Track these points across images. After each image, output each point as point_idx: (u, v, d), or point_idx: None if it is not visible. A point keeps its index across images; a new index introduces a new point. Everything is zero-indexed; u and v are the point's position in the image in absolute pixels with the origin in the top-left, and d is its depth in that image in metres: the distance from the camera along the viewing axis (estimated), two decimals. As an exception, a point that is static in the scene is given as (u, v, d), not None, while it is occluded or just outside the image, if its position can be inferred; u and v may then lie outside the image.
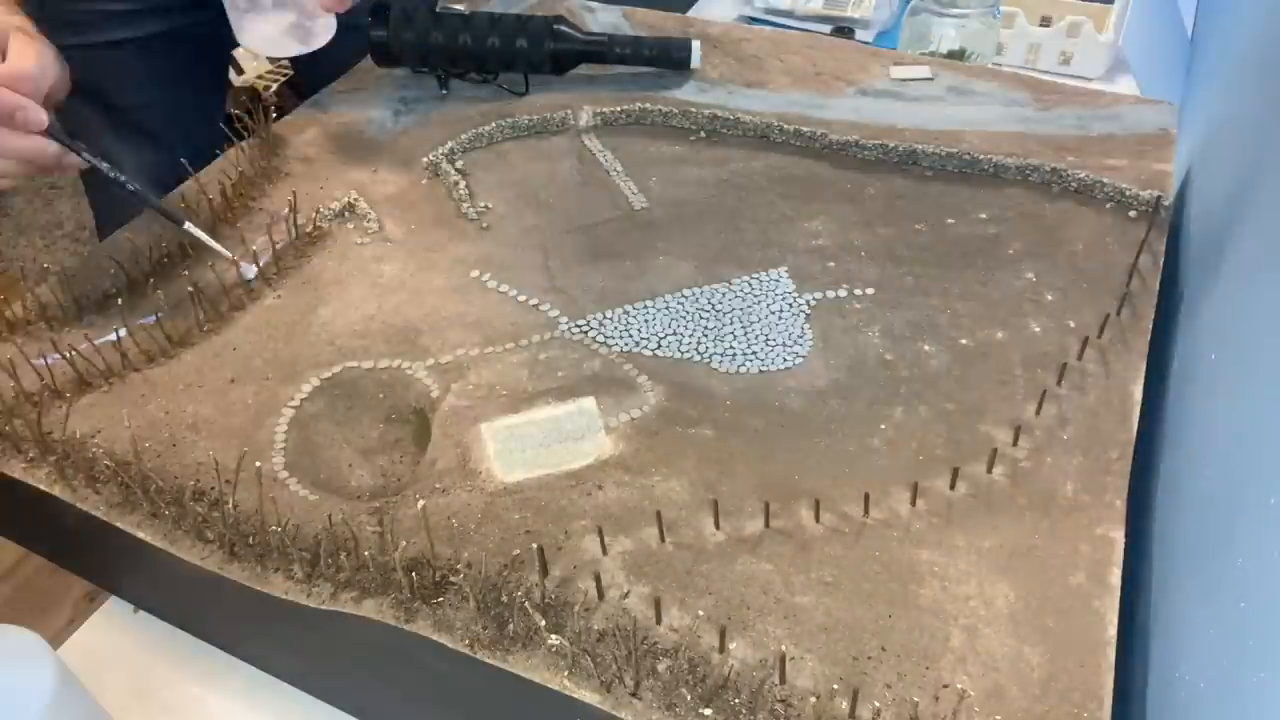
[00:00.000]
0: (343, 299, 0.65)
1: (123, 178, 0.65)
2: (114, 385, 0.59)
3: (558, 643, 0.44)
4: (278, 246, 0.68)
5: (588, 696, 0.42)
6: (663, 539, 0.49)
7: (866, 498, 0.50)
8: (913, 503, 0.51)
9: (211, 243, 0.66)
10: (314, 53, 0.80)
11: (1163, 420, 0.60)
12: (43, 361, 0.58)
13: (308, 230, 0.70)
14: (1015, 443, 0.54)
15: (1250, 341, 0.49)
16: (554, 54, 0.83)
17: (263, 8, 0.74)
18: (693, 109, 0.80)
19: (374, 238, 0.70)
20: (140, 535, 0.50)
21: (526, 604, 0.45)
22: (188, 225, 0.66)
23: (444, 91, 0.85)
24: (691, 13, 1.26)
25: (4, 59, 0.61)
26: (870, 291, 0.64)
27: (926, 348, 0.60)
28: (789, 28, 1.21)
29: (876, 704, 0.42)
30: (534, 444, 0.55)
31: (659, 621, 0.45)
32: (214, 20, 0.86)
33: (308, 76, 0.89)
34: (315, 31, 0.76)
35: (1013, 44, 1.13)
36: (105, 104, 0.89)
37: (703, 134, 0.80)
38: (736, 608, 0.46)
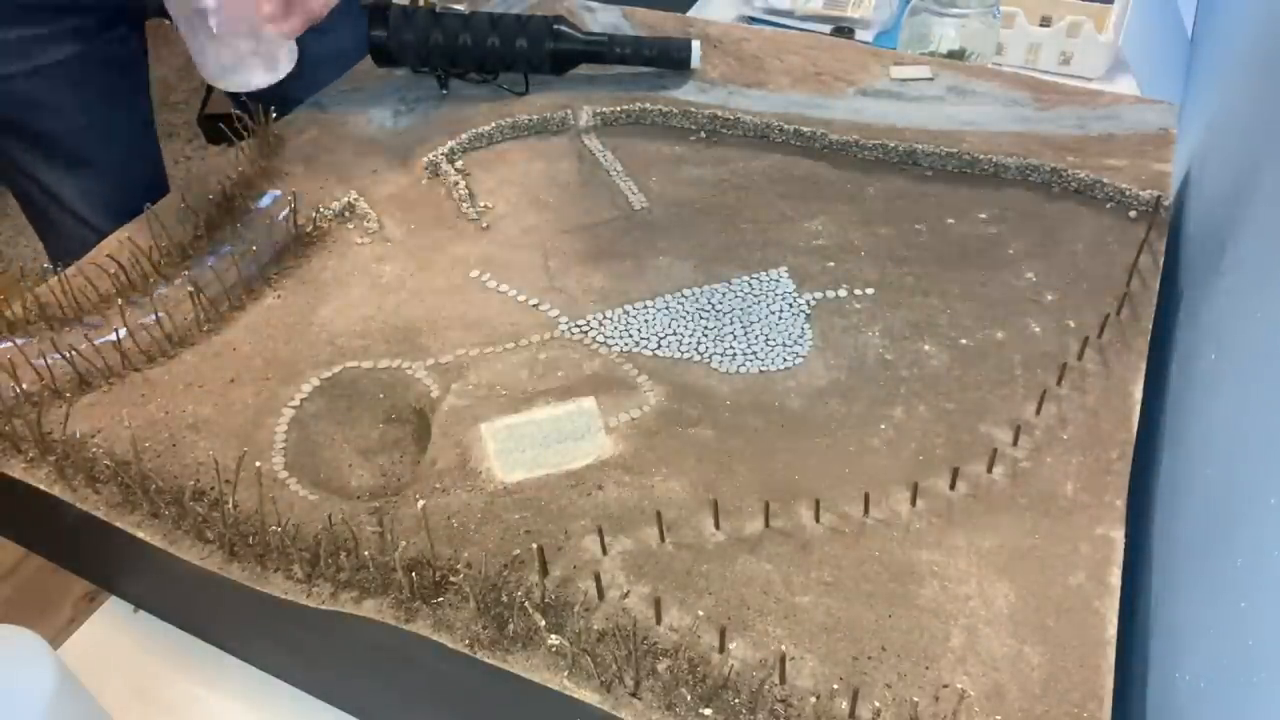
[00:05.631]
0: (343, 299, 0.65)
1: None
2: (114, 385, 0.59)
3: (558, 643, 0.44)
4: (278, 246, 0.68)
5: (588, 696, 0.42)
6: (663, 539, 0.49)
7: (866, 498, 0.50)
8: (913, 503, 0.51)
9: None
10: (303, 49, 0.79)
11: (1163, 420, 0.60)
12: (43, 361, 0.58)
13: (308, 230, 0.70)
14: (1015, 443, 0.54)
15: (1250, 341, 0.49)
16: (554, 54, 0.83)
17: (222, 39, 0.72)
18: (693, 109, 0.80)
19: (374, 238, 0.70)
20: (140, 535, 0.50)
21: (526, 604, 0.44)
22: None
23: (444, 91, 0.85)
24: (691, 13, 1.26)
25: None
26: (870, 291, 0.64)
27: (926, 348, 0.60)
28: (789, 28, 1.21)
29: (876, 704, 0.42)
30: (534, 444, 0.54)
31: (659, 621, 0.45)
32: (124, 38, 0.86)
33: (304, 76, 0.88)
34: (279, 60, 0.75)
35: (1013, 44, 1.13)
36: (34, 134, 0.87)
37: (703, 134, 0.80)
38: (736, 608, 0.46)
